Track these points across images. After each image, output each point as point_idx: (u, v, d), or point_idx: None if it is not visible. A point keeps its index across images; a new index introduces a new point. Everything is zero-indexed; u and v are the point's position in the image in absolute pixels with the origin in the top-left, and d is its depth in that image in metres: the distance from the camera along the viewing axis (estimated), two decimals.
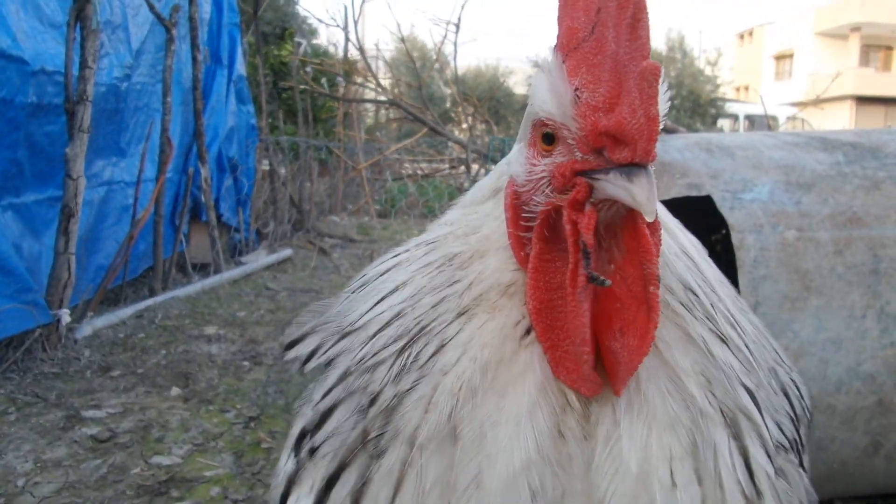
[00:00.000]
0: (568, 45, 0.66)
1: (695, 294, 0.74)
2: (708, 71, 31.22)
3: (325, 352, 0.82)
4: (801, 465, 0.81)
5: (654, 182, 0.62)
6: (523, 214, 0.71)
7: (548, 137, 0.70)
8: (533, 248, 0.70)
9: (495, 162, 3.39)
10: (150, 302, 5.57)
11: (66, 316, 4.34)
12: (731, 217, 2.21)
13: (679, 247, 0.79)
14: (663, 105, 0.67)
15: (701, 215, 2.22)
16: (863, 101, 34.88)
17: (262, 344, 4.61)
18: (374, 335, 0.74)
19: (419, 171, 11.47)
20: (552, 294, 0.69)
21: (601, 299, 0.68)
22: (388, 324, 0.74)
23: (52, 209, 4.70)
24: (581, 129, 0.64)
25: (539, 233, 0.70)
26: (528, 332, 0.70)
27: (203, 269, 6.90)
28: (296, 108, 10.69)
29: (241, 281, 6.81)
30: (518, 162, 0.73)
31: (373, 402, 0.71)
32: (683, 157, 2.45)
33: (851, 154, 2.51)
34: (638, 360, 0.67)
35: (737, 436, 0.71)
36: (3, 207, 4.35)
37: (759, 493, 0.72)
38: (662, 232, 0.73)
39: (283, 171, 10.26)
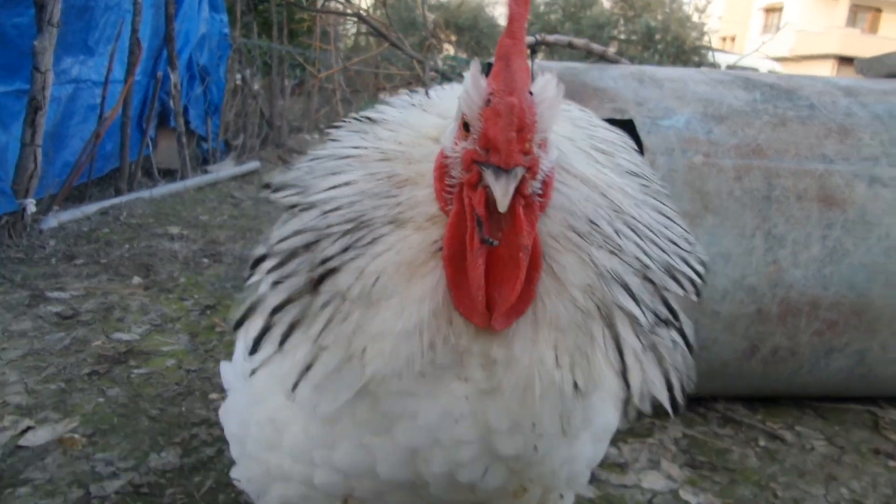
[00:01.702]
0: (498, 53, 0.84)
1: (596, 224, 0.94)
2: (695, 18, 30.87)
3: (291, 199, 1.03)
4: (683, 333, 1.03)
5: (511, 184, 0.82)
6: (447, 178, 0.91)
7: (466, 126, 0.87)
8: (453, 208, 0.90)
9: (449, 79, 3.56)
10: (115, 200, 5.69)
11: (31, 205, 4.47)
12: (648, 140, 2.45)
13: (592, 187, 0.98)
14: (545, 121, 0.84)
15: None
16: (845, 61, 34.94)
17: (223, 245, 4.81)
18: (328, 212, 0.96)
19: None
20: (463, 246, 0.90)
21: (493, 258, 0.89)
22: (340, 208, 0.96)
23: (20, 101, 4.75)
24: (479, 130, 0.84)
25: (458, 197, 0.90)
26: (440, 248, 0.92)
27: (169, 175, 6.98)
28: (271, 20, 10.52)
29: (207, 188, 6.93)
30: (449, 137, 0.92)
31: (323, 262, 0.94)
32: (616, 85, 2.66)
33: (768, 93, 2.74)
34: (508, 305, 0.89)
35: (611, 325, 0.93)
36: None
37: (626, 366, 0.95)
38: (576, 182, 0.95)
39: (255, 85, 10.18)
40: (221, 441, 2.34)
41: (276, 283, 1.00)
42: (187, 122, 7.39)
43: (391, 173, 0.97)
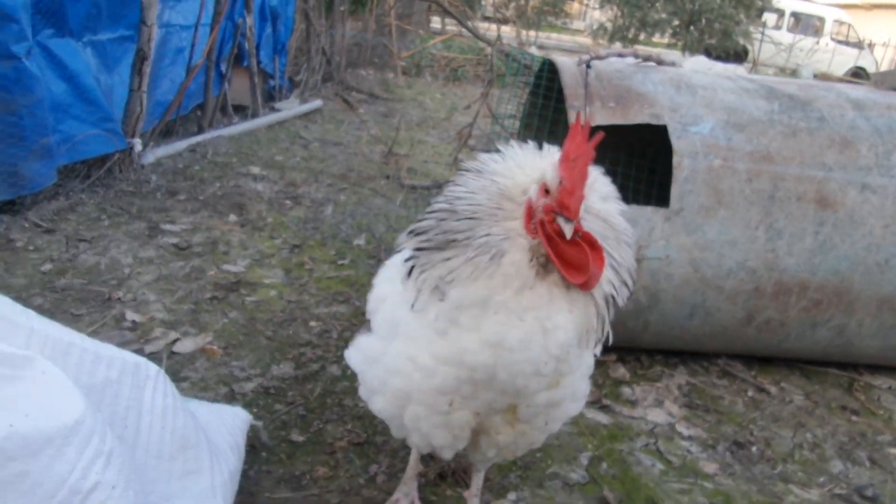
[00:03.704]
0: (565, 158, 1.48)
1: (614, 258, 1.60)
2: None
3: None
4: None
5: (572, 227, 1.45)
6: (532, 216, 1.54)
7: (546, 190, 1.51)
8: (540, 233, 1.53)
9: (516, 60, 4.02)
10: (199, 138, 6.34)
11: (138, 144, 5.15)
12: (677, 144, 2.96)
13: (620, 229, 1.62)
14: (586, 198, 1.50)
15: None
16: None
17: (299, 187, 5.45)
18: (469, 242, 1.58)
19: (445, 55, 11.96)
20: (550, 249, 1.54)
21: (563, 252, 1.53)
22: (477, 239, 1.57)
23: (122, 47, 5.36)
24: (556, 196, 1.48)
25: (540, 226, 1.53)
26: (532, 258, 1.56)
27: (240, 111, 7.60)
28: None
29: (277, 126, 7.53)
30: (534, 194, 1.55)
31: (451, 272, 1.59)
32: (655, 91, 3.15)
33: (787, 104, 3.19)
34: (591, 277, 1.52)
35: (605, 301, 1.61)
36: (84, 44, 5.01)
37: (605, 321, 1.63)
38: (608, 220, 1.59)
39: (316, 18, 10.60)
40: (324, 359, 3.04)
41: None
42: (258, 62, 7.94)
43: (493, 214, 1.61)
